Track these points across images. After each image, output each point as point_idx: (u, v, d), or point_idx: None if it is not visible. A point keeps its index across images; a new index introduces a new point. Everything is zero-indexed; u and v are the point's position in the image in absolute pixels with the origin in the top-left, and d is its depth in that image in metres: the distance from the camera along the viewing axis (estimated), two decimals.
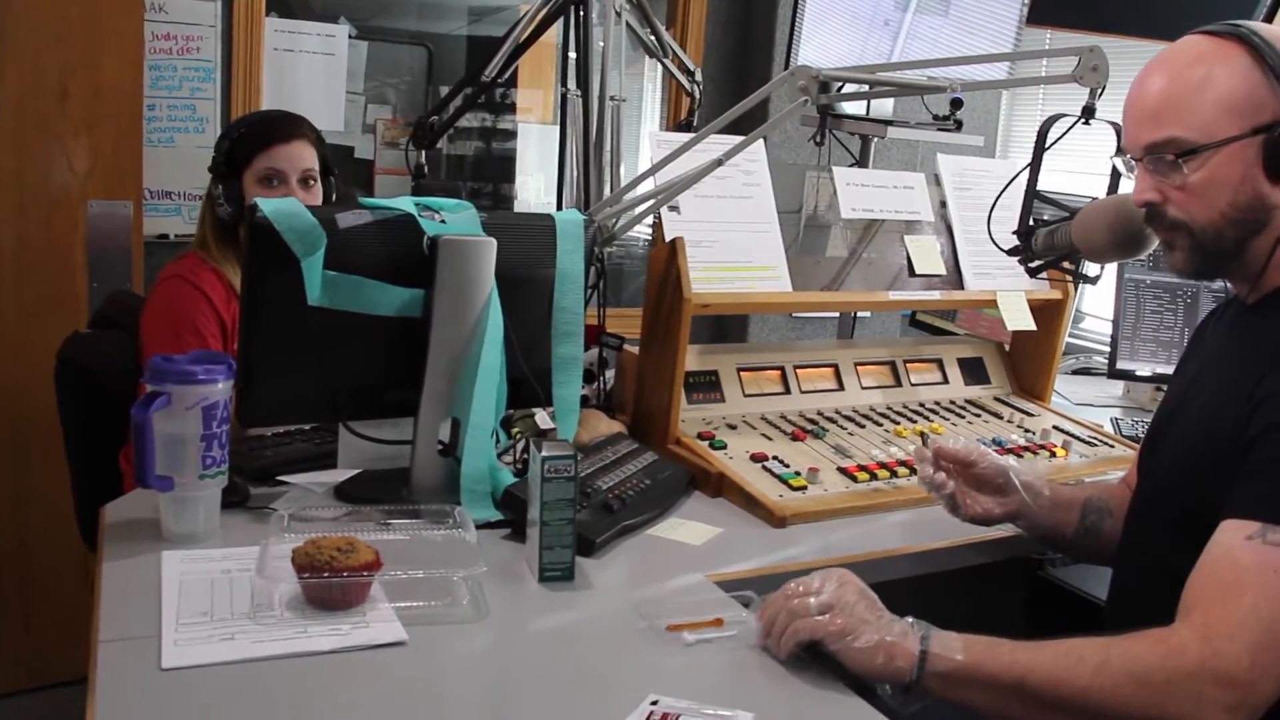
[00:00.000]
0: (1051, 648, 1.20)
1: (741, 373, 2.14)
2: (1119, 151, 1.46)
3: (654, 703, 1.16)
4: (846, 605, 1.25)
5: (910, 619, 1.25)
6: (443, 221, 1.67)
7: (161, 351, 1.59)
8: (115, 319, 2.32)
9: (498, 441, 1.73)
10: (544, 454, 1.44)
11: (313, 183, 2.27)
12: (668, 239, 1.94)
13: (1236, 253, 1.37)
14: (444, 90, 2.61)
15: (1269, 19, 2.66)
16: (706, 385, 2.09)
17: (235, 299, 2.18)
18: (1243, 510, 1.22)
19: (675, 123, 4.03)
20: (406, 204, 1.67)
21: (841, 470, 1.91)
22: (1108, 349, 2.77)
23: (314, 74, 3.70)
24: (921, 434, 1.75)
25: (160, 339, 2.07)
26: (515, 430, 1.89)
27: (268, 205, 1.55)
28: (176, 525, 1.51)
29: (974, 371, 2.44)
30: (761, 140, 2.03)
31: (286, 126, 2.26)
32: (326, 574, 1.31)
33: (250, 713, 1.13)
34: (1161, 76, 1.36)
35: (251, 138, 2.22)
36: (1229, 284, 1.48)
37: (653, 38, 2.54)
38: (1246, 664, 1.13)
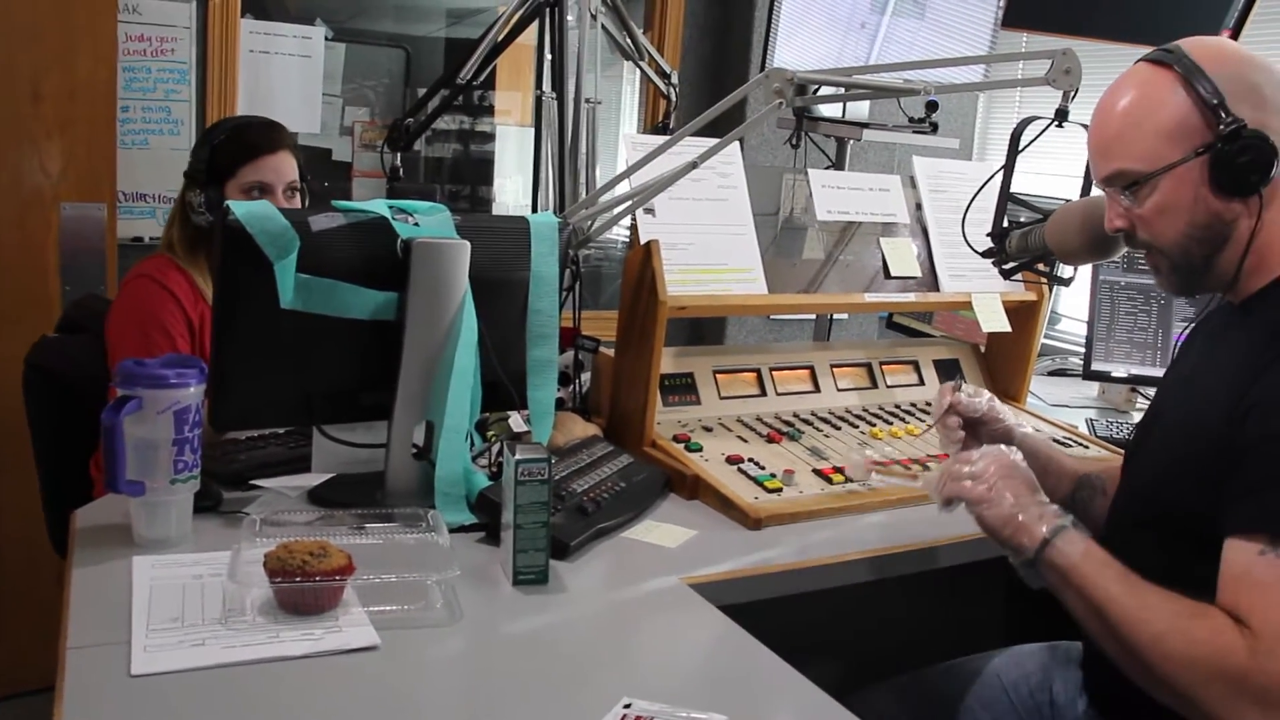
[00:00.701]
0: (1139, 593, 1.27)
1: (717, 375, 2.14)
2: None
3: (627, 705, 1.16)
4: (993, 477, 1.43)
5: (1057, 509, 1.39)
6: (416, 224, 1.66)
7: (129, 351, 1.58)
8: (83, 323, 2.30)
9: (472, 445, 1.73)
10: (518, 457, 1.44)
11: (295, 193, 2.27)
12: (643, 241, 1.94)
13: (1207, 268, 1.41)
14: (422, 93, 2.60)
15: (1239, 24, 2.68)
16: (682, 387, 2.09)
17: (203, 300, 2.17)
18: (1248, 526, 1.24)
19: (652, 125, 4.03)
20: (380, 207, 1.66)
21: (817, 472, 1.91)
22: (1083, 350, 2.78)
23: (290, 76, 3.68)
24: (956, 386, 1.78)
25: (128, 339, 2.05)
26: (490, 433, 1.89)
27: (240, 208, 1.54)
28: (148, 530, 1.50)
29: (950, 373, 2.45)
30: (737, 143, 2.03)
31: (270, 137, 2.25)
32: (299, 578, 1.30)
33: (221, 719, 1.12)
34: (1106, 112, 1.43)
35: (235, 148, 2.20)
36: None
37: (629, 41, 2.54)
38: None
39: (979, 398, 1.77)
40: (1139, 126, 1.39)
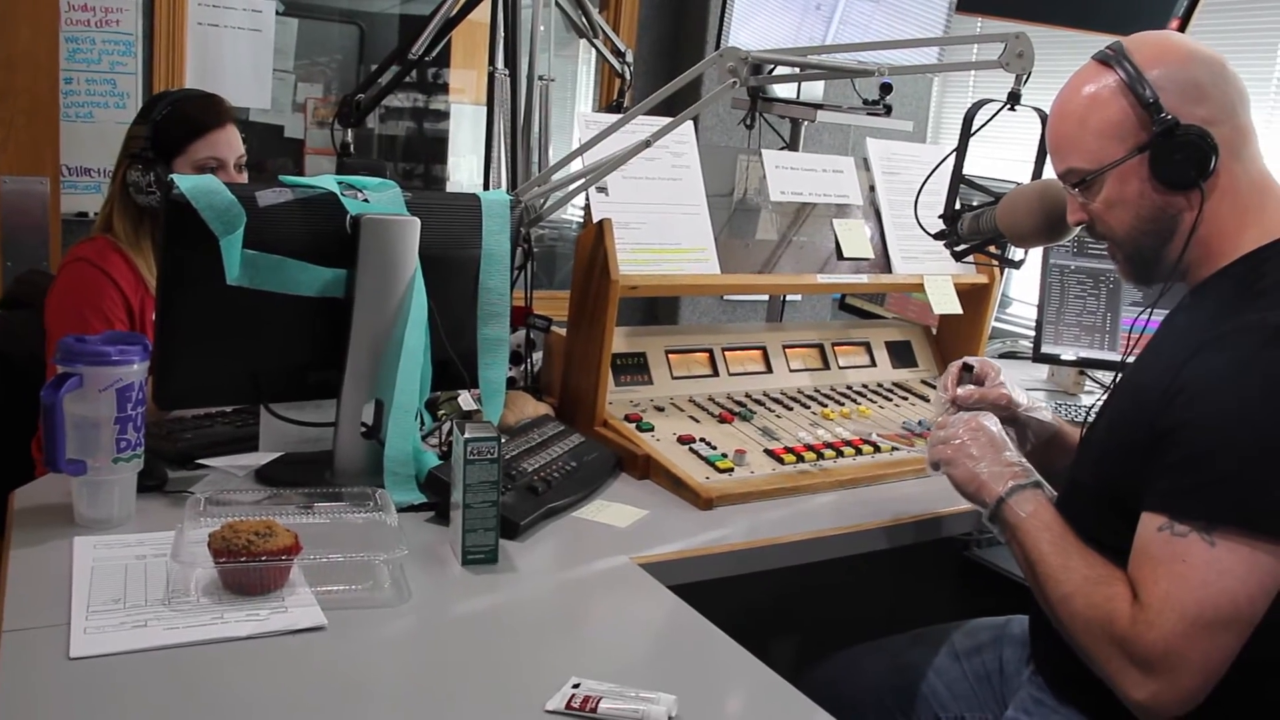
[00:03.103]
0: (1064, 554, 1.38)
1: (670, 355, 2.13)
2: None
3: (576, 685, 1.16)
4: (960, 440, 1.55)
5: (1023, 466, 1.50)
6: (366, 200, 1.64)
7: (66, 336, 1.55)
8: (25, 299, 2.25)
9: (422, 424, 1.71)
10: (467, 436, 1.43)
11: (244, 167, 2.23)
12: (595, 220, 1.93)
13: (1157, 259, 1.47)
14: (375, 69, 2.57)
15: (1188, 12, 2.70)
16: (634, 367, 2.08)
17: (144, 285, 2.13)
18: (1156, 504, 1.29)
19: (606, 104, 4.02)
20: (329, 182, 1.64)
21: (768, 452, 1.92)
22: (1033, 333, 2.81)
23: (240, 50, 3.63)
24: (966, 365, 1.78)
25: (65, 323, 2.01)
26: (440, 412, 1.87)
27: (185, 182, 1.51)
28: (89, 510, 1.47)
29: (901, 355, 2.46)
30: (691, 122, 2.02)
31: (216, 111, 2.21)
32: (244, 558, 1.28)
33: (162, 701, 1.11)
34: (1057, 113, 1.50)
35: (182, 124, 2.16)
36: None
37: (583, 19, 2.52)
38: (1161, 649, 1.23)
39: (992, 380, 1.76)
40: (1083, 126, 1.45)
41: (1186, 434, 1.28)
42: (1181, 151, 1.38)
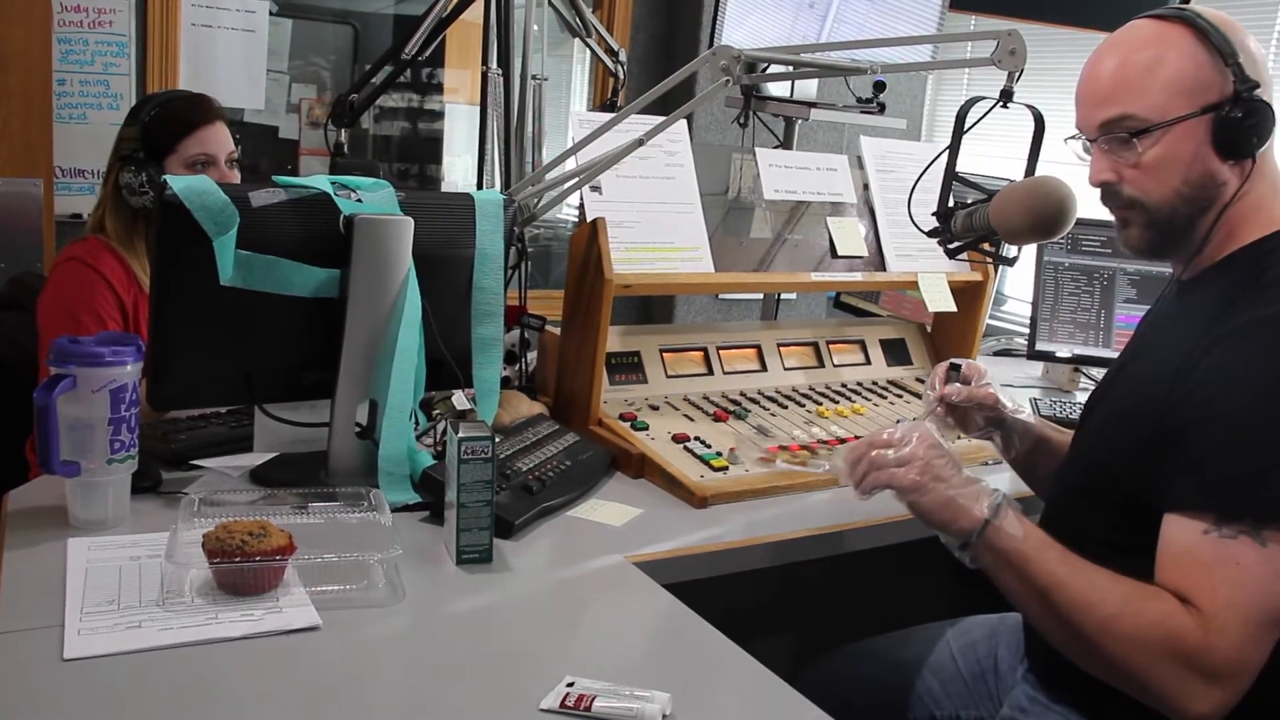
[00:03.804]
0: (1087, 575, 1.26)
1: (664, 354, 2.13)
2: (1073, 137, 1.48)
3: (570, 684, 1.16)
4: (922, 460, 1.36)
5: (988, 485, 1.35)
6: (359, 200, 1.64)
7: (59, 336, 1.55)
8: (19, 301, 2.25)
9: (417, 423, 1.71)
10: (461, 435, 1.43)
11: (235, 165, 2.24)
12: (589, 219, 1.93)
13: (1186, 230, 1.41)
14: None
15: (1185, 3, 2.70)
16: (629, 366, 2.08)
17: (137, 285, 2.13)
18: (1190, 504, 1.25)
19: (600, 103, 4.01)
20: (322, 182, 1.64)
21: (763, 450, 1.91)
22: (1027, 331, 2.81)
23: (233, 51, 3.62)
24: (954, 365, 1.76)
25: (58, 323, 2.01)
26: (435, 412, 1.87)
27: (178, 183, 1.51)
28: (84, 511, 1.47)
29: (896, 352, 2.46)
30: (685, 121, 2.02)
31: (204, 108, 2.22)
32: (238, 559, 1.28)
33: (156, 702, 1.11)
34: (1112, 60, 1.40)
35: (170, 122, 2.17)
36: (1170, 270, 1.51)
37: (577, 18, 2.53)
38: (1234, 659, 1.19)
39: (978, 380, 1.74)
40: (1151, 74, 1.36)
41: (1209, 432, 1.25)
42: (1251, 118, 1.33)
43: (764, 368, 2.25)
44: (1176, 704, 1.21)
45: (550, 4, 2.45)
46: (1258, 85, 1.34)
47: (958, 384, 1.74)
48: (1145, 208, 1.41)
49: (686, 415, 2.02)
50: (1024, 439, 1.74)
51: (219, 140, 2.20)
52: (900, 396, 2.31)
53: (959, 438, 1.91)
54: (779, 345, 2.29)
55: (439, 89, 4.51)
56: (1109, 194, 1.44)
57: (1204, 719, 1.20)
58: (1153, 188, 1.39)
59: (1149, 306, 1.53)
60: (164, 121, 2.16)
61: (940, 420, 1.75)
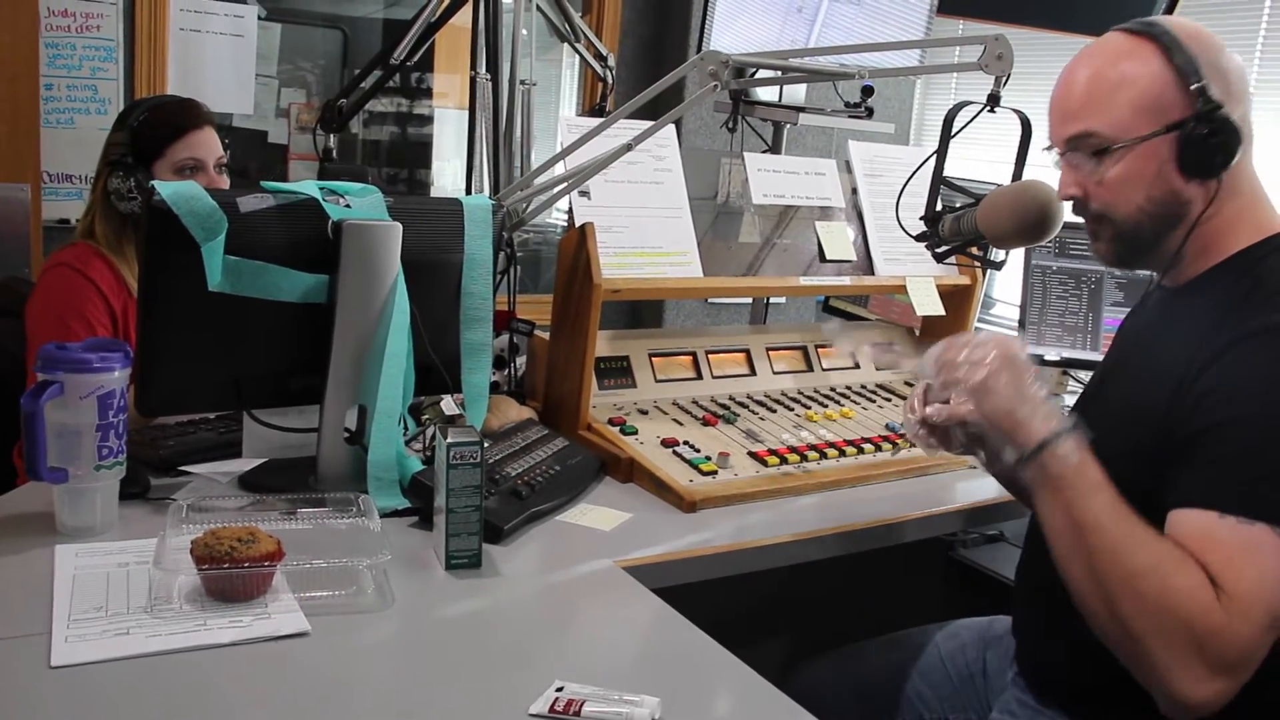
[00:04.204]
0: (1128, 525, 1.23)
1: (653, 358, 2.14)
2: (1048, 148, 1.49)
3: (559, 689, 1.16)
4: (993, 367, 1.33)
5: (1057, 408, 1.31)
6: (347, 206, 1.64)
7: (48, 341, 1.54)
8: (6, 307, 2.24)
9: (406, 429, 1.71)
10: (450, 440, 1.43)
11: (224, 169, 2.23)
12: (578, 224, 1.93)
13: (1155, 244, 1.42)
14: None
15: (1168, 12, 2.72)
16: (618, 371, 2.08)
17: (126, 290, 2.12)
18: (1203, 500, 1.23)
19: (589, 108, 4.02)
20: (311, 188, 1.64)
21: (752, 455, 1.92)
22: (1015, 334, 2.82)
23: (222, 55, 3.62)
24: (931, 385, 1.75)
25: (47, 329, 2.00)
26: (424, 417, 1.87)
27: (166, 189, 1.51)
28: (71, 518, 1.46)
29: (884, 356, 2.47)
30: (673, 126, 2.02)
31: (193, 113, 2.22)
32: (226, 565, 1.28)
33: (145, 710, 1.10)
34: (1080, 75, 1.41)
35: (159, 127, 2.16)
36: (1153, 273, 1.50)
37: (565, 23, 2.53)
38: (1251, 648, 1.18)
39: (954, 400, 1.73)
40: (1114, 92, 1.37)
41: (1231, 433, 1.24)
42: (1216, 137, 1.32)
43: (753, 372, 2.25)
44: (1170, 683, 1.19)
45: (539, 9, 2.45)
46: (1220, 106, 1.33)
47: (938, 405, 1.74)
48: (1112, 221, 1.42)
49: (675, 420, 2.02)
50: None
51: (207, 145, 2.20)
52: (889, 399, 2.32)
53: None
54: (768, 349, 2.30)
55: (428, 94, 4.51)
56: (1078, 207, 1.46)
57: (1193, 706, 1.19)
58: (1118, 203, 1.40)
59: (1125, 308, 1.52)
60: (152, 126, 2.16)
61: (924, 441, 1.75)
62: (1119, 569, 1.22)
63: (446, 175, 4.57)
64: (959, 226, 1.87)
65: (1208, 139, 1.33)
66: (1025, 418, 1.30)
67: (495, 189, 2.37)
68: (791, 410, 2.16)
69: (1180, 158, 1.35)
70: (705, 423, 2.02)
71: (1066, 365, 2.79)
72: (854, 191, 2.44)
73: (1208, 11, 3.58)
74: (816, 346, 2.37)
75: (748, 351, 2.27)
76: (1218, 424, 1.25)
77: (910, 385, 2.41)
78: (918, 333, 2.56)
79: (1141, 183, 1.37)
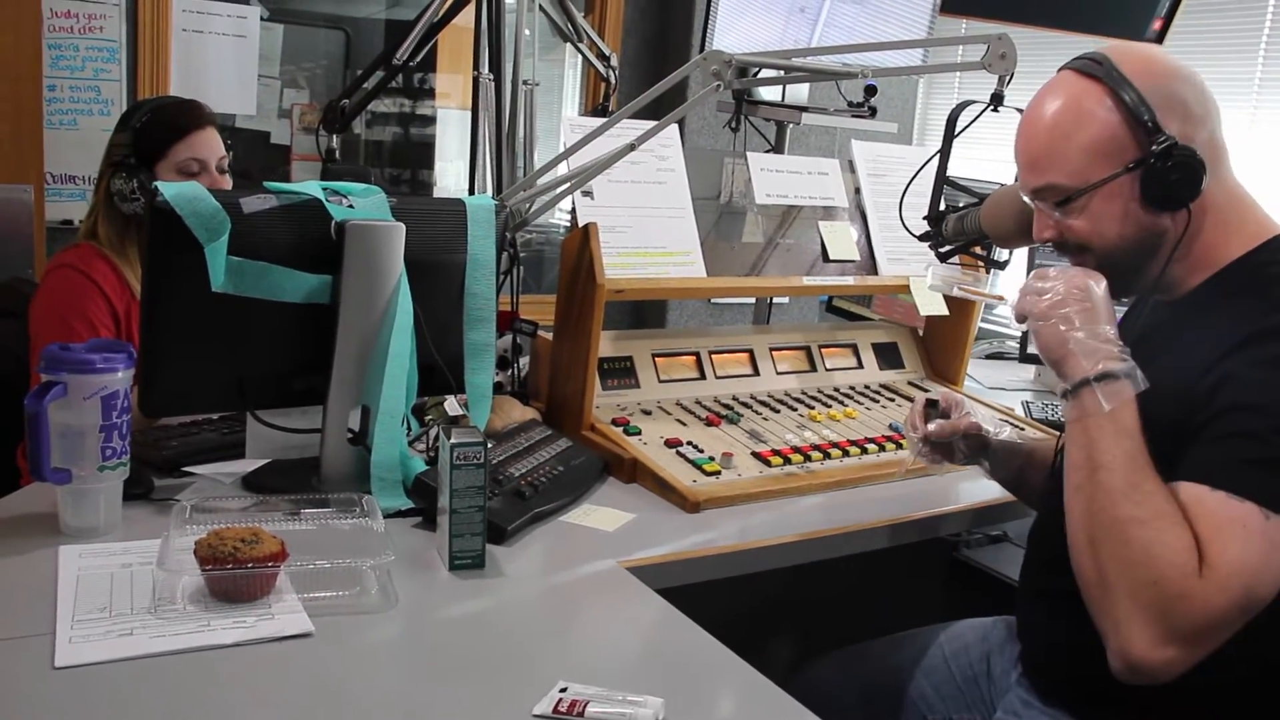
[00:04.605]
0: (1140, 475, 1.25)
1: (656, 358, 2.14)
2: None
3: (563, 690, 1.16)
4: (1057, 297, 1.33)
5: (1120, 349, 1.31)
6: (350, 206, 1.64)
7: (51, 342, 1.54)
8: (9, 308, 2.24)
9: (409, 429, 1.71)
10: (453, 441, 1.43)
11: (227, 170, 2.24)
12: (581, 224, 1.93)
13: (1138, 273, 1.43)
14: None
15: (1171, 13, 2.71)
16: (621, 371, 2.08)
17: (129, 291, 2.13)
18: (1203, 475, 1.24)
19: (592, 108, 4.02)
20: (314, 188, 1.64)
21: (756, 455, 1.92)
22: (1018, 334, 2.81)
23: (224, 56, 3.62)
24: (931, 401, 1.77)
25: (50, 330, 2.01)
26: (427, 417, 1.87)
27: (169, 189, 1.51)
28: (75, 519, 1.47)
29: (888, 356, 2.47)
30: (676, 126, 2.02)
31: (195, 114, 2.22)
32: (230, 565, 1.28)
33: (149, 711, 1.10)
34: (1032, 124, 1.42)
35: (161, 128, 2.17)
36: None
37: (568, 23, 2.53)
38: (1214, 620, 1.18)
39: (958, 412, 1.76)
40: (1067, 141, 1.38)
41: (1240, 418, 1.24)
42: (1176, 172, 1.33)
43: (756, 372, 2.25)
44: (1125, 638, 1.21)
45: (541, 9, 2.45)
46: (1173, 140, 1.33)
47: (939, 420, 1.75)
48: (1094, 251, 1.42)
49: (679, 420, 2.02)
50: (1011, 459, 1.76)
51: (210, 146, 2.20)
52: (893, 400, 2.32)
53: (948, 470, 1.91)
54: (771, 349, 2.30)
55: (431, 94, 4.51)
56: (1058, 247, 1.46)
57: (1140, 668, 1.20)
58: (1093, 244, 1.41)
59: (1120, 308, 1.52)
60: (155, 127, 2.16)
61: (929, 457, 1.76)
62: (1117, 511, 1.24)
63: (449, 176, 4.57)
64: (962, 226, 1.87)
65: (1167, 174, 1.34)
66: (1076, 351, 1.31)
67: (498, 189, 2.37)
68: (795, 410, 2.16)
69: (1144, 194, 1.36)
70: (709, 423, 2.02)
71: None
72: (857, 191, 2.44)
73: (1210, 12, 3.57)
74: (820, 346, 2.37)
75: (751, 352, 2.27)
76: (1224, 409, 1.26)
77: (917, 387, 2.41)
78: (921, 332, 2.56)
79: (1112, 221, 1.38)
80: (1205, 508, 1.22)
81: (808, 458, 1.94)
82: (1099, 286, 1.35)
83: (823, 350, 2.37)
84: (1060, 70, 1.44)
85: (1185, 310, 1.45)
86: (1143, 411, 1.34)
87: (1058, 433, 1.73)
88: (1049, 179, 1.40)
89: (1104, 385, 1.28)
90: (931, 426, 1.75)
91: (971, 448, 1.77)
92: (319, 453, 1.67)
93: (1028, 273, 2.76)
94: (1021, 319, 1.41)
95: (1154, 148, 1.33)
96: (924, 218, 1.94)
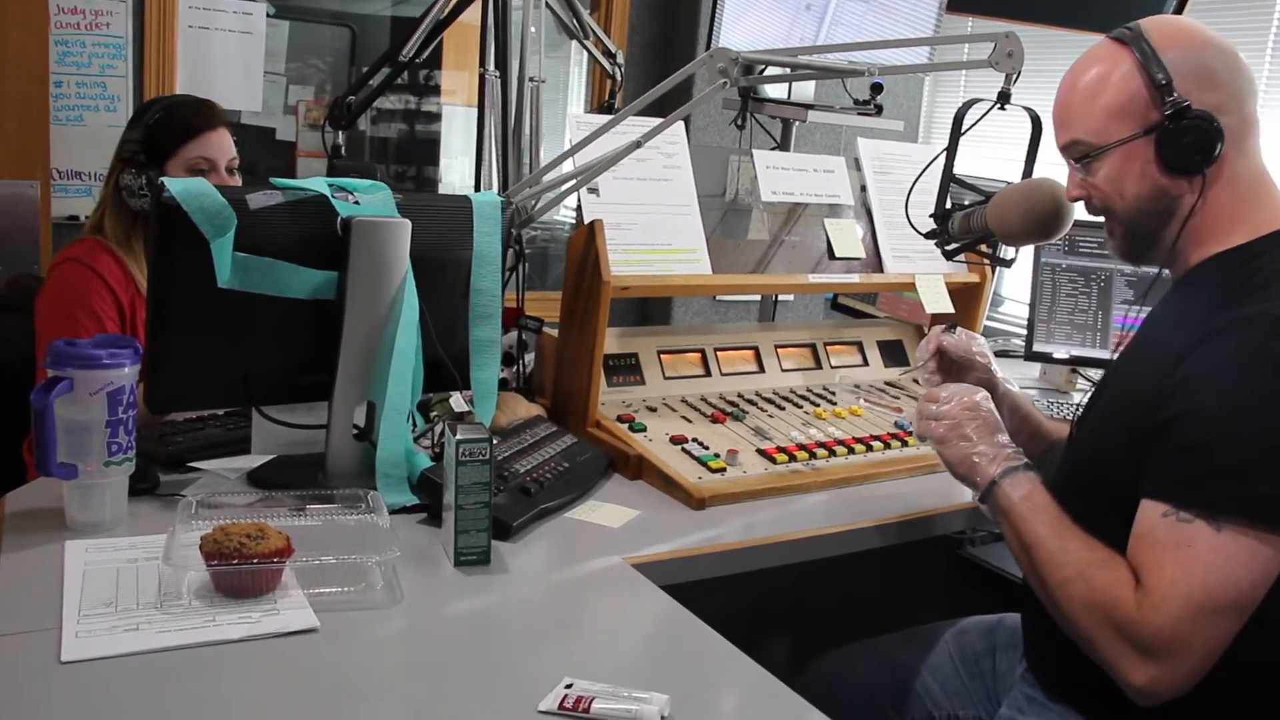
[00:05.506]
0: (1063, 539, 1.37)
1: (662, 355, 2.13)
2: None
3: (569, 685, 1.16)
4: (953, 420, 1.53)
5: (1014, 450, 1.49)
6: (356, 203, 1.64)
7: (57, 336, 1.55)
8: (16, 303, 2.25)
9: (414, 425, 1.71)
10: (459, 437, 1.43)
11: (235, 171, 2.24)
12: (587, 221, 1.93)
13: (1154, 238, 1.46)
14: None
15: (1178, 12, 2.71)
16: (627, 368, 2.08)
17: (134, 285, 2.13)
18: (1158, 490, 1.29)
19: (598, 105, 4.02)
20: (319, 184, 1.63)
21: (761, 452, 1.92)
22: (1024, 332, 2.81)
23: (230, 53, 3.62)
24: (949, 327, 1.83)
25: (55, 323, 2.01)
26: (433, 414, 1.87)
27: (175, 185, 1.51)
28: (81, 514, 1.47)
29: (893, 354, 2.46)
30: (682, 123, 2.02)
31: (208, 114, 2.23)
32: (236, 561, 1.28)
33: (154, 705, 1.11)
34: (1066, 85, 1.49)
35: (173, 126, 2.17)
36: (1163, 270, 1.53)
37: (574, 20, 2.53)
38: (1167, 636, 1.24)
39: (971, 342, 1.82)
40: (1092, 102, 1.44)
41: (1191, 422, 1.28)
42: (1189, 135, 1.38)
43: (761, 369, 2.25)
44: (1117, 671, 1.28)
45: (547, 6, 2.45)
46: (1189, 105, 1.37)
47: (954, 338, 1.80)
48: (1116, 216, 1.48)
49: (684, 417, 2.02)
50: (1014, 414, 1.77)
51: (221, 146, 2.20)
52: (898, 397, 2.31)
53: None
54: (776, 347, 2.29)
55: (436, 91, 4.51)
56: (1087, 206, 1.53)
57: (1142, 692, 1.26)
58: (1113, 203, 1.47)
59: (1146, 308, 1.55)
60: (167, 125, 2.17)
61: (930, 378, 1.79)
62: (1055, 577, 1.35)
63: (455, 172, 4.57)
64: (969, 224, 1.87)
65: (1182, 137, 1.38)
66: (980, 462, 1.49)
67: (504, 186, 2.37)
68: (800, 408, 2.15)
69: (1160, 157, 1.41)
70: (714, 420, 2.02)
71: (1075, 363, 2.79)
72: (863, 189, 2.43)
73: (1217, 9, 3.57)
74: (825, 344, 2.36)
75: (756, 349, 2.26)
76: (1181, 414, 1.29)
77: (918, 384, 2.40)
78: (926, 330, 2.56)
79: (1130, 181, 1.44)
80: (1154, 536, 1.28)
81: (813, 455, 1.93)
82: (986, 401, 1.55)
83: (828, 348, 2.37)
84: (1103, 39, 1.49)
85: (1176, 293, 1.49)
86: (1124, 400, 1.41)
87: (1059, 421, 1.74)
88: (1073, 135, 1.47)
89: (1009, 479, 1.45)
90: (948, 338, 1.80)
91: (978, 383, 1.77)
92: (324, 448, 1.67)
93: (1034, 271, 2.76)
94: (923, 439, 1.59)
95: (1165, 110, 1.38)
96: (930, 215, 1.93)
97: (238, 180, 2.26)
